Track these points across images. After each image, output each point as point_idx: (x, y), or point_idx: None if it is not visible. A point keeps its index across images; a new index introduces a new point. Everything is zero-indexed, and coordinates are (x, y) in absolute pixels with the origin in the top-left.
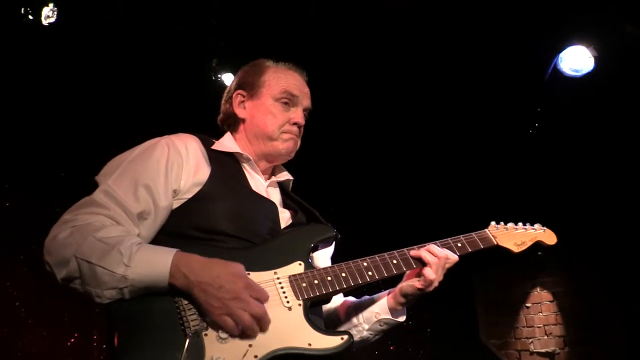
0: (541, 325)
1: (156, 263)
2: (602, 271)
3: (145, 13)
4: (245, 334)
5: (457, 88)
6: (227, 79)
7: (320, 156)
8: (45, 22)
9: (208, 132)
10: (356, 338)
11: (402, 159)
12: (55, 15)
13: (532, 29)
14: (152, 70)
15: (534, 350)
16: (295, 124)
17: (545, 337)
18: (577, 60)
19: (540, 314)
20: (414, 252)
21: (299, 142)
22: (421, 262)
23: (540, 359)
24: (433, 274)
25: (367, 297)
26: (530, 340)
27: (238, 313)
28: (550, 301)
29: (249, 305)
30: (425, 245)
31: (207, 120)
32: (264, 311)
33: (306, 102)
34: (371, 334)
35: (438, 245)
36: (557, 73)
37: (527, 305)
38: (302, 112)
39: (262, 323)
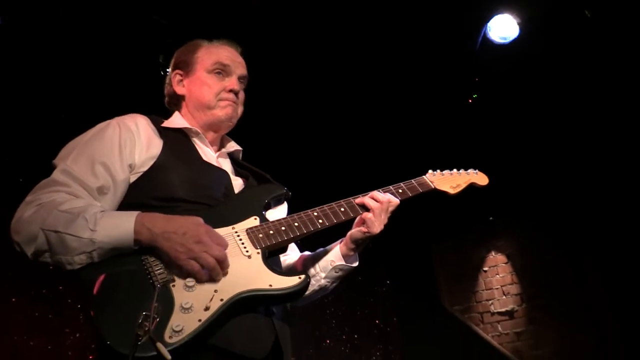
0: (499, 287)
1: (121, 223)
2: (547, 230)
3: (87, 14)
4: (210, 278)
5: (396, 57)
6: None
7: (262, 123)
8: None
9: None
10: (315, 287)
11: (345, 121)
12: None
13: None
14: (99, 69)
15: (495, 311)
16: (231, 90)
17: (504, 297)
18: (504, 28)
19: (497, 275)
20: (358, 200)
21: (240, 109)
22: (366, 209)
23: (501, 318)
24: (373, 217)
25: (321, 249)
26: (491, 301)
27: (202, 255)
28: (505, 263)
29: (211, 249)
30: (368, 193)
31: (158, 112)
32: (225, 254)
33: (240, 70)
34: (328, 282)
35: (380, 192)
36: (487, 42)
37: (485, 269)
38: (236, 79)
39: (223, 265)
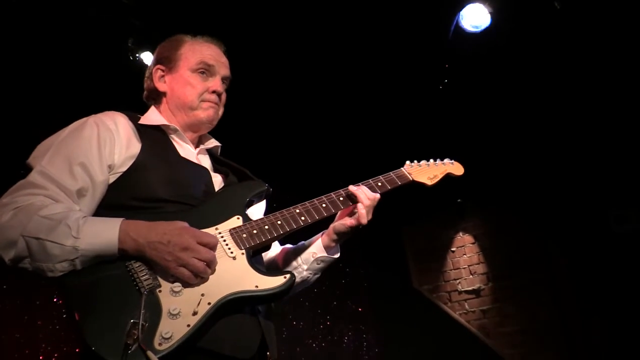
0: (466, 266)
1: (104, 232)
2: (513, 211)
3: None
4: (199, 281)
5: (369, 48)
6: (146, 57)
7: (234, 118)
8: None
9: (132, 110)
10: (297, 279)
11: (319, 112)
12: None
13: None
14: (68, 56)
15: (462, 290)
16: (214, 92)
17: (471, 276)
18: (475, 16)
19: (465, 255)
20: (348, 190)
21: (220, 111)
22: (352, 202)
23: (468, 297)
24: (365, 213)
25: (302, 242)
26: (458, 280)
27: (191, 262)
28: (472, 243)
29: (200, 253)
30: (348, 189)
31: (130, 100)
32: (213, 255)
33: (224, 71)
34: (310, 273)
35: (360, 186)
36: (459, 30)
37: (453, 249)
38: (220, 80)
39: (213, 266)
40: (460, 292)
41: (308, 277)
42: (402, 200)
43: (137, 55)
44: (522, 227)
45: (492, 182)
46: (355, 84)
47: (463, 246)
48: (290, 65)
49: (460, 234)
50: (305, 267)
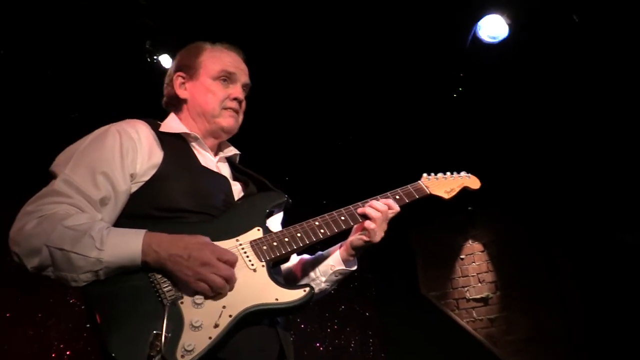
0: (475, 274)
1: (128, 244)
2: (522, 221)
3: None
4: (218, 295)
5: (387, 57)
6: (164, 60)
7: (260, 128)
8: None
9: (150, 113)
10: (316, 290)
11: (338, 126)
12: None
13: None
14: (87, 60)
15: (470, 297)
16: (235, 99)
17: (479, 284)
18: (493, 27)
19: (474, 263)
20: (360, 210)
21: (240, 118)
22: (366, 217)
23: (476, 305)
24: (376, 227)
25: (320, 253)
26: (466, 288)
27: (210, 277)
28: (482, 251)
29: (219, 269)
30: (368, 201)
31: (149, 101)
32: (232, 272)
33: (244, 78)
34: (328, 285)
35: (378, 200)
36: (476, 40)
37: (462, 257)
38: (240, 87)
39: (231, 283)
40: (468, 300)
41: (326, 288)
42: (412, 207)
43: (155, 57)
44: (531, 237)
45: (503, 191)
46: (371, 93)
47: (472, 254)
48: (305, 73)
49: (470, 241)
50: (323, 279)
